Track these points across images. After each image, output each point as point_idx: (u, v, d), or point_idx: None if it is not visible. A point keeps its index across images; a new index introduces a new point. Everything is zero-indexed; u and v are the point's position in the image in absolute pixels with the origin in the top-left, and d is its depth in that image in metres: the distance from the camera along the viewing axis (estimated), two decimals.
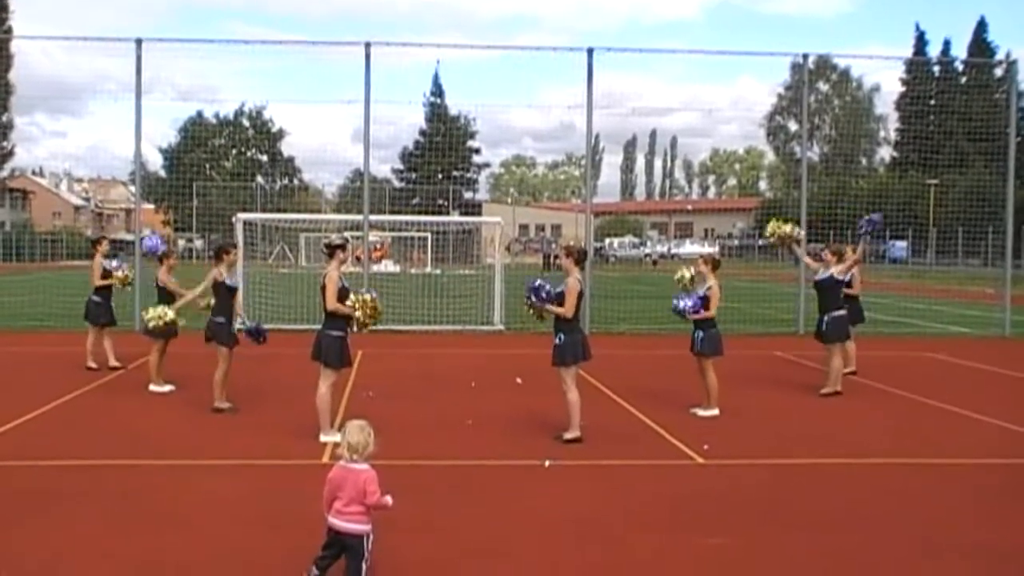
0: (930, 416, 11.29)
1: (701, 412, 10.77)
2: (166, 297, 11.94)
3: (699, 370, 10.90)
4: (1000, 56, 72.49)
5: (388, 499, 5.38)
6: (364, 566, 5.30)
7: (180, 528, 6.49)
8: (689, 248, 77.77)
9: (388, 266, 40.41)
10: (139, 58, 18.79)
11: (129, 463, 8.30)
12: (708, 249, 76.01)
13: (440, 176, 76.09)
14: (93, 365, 13.52)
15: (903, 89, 69.93)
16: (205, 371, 11.05)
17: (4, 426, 9.61)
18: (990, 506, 7.46)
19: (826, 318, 12.19)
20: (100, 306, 13.68)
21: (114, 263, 14.03)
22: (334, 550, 5.36)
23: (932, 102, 64.68)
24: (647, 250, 76.90)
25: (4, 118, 59.60)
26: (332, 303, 9.05)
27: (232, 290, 10.78)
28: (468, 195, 79.91)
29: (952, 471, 8.56)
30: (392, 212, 52.87)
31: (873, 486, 7.97)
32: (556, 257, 10.16)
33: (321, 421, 9.18)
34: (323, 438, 9.04)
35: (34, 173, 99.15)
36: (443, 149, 74.77)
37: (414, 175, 77.57)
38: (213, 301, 10.79)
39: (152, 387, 11.77)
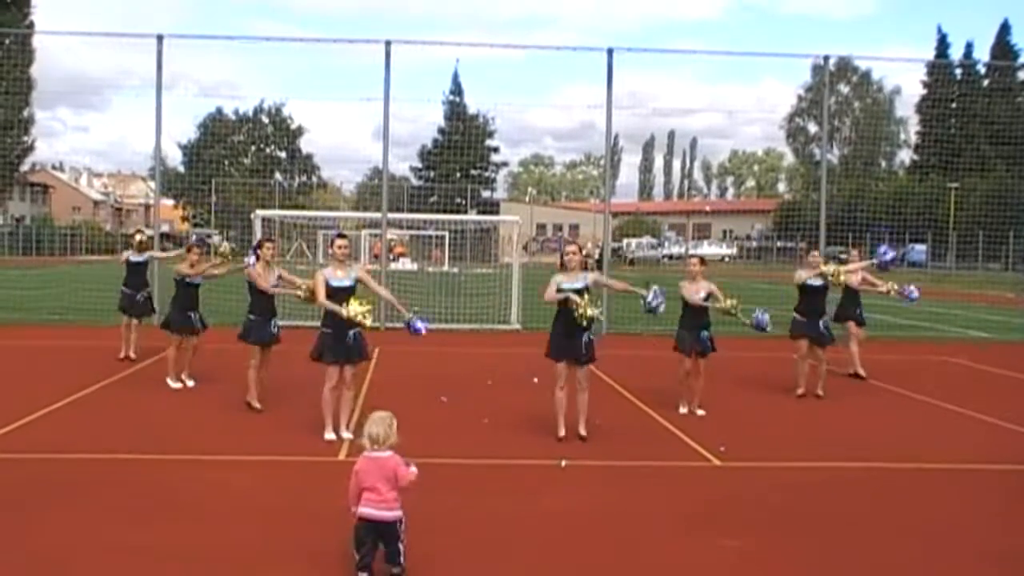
0: (948, 421, 11.22)
1: (700, 411, 10.85)
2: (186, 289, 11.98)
3: (698, 370, 10.91)
4: (1023, 59, 72.12)
5: (414, 469, 5.53)
6: (402, 547, 5.43)
7: (196, 521, 6.53)
8: (707, 249, 77.52)
9: (406, 264, 40.51)
10: (160, 54, 18.86)
11: (147, 457, 8.34)
12: (722, 250, 75.83)
13: (458, 175, 76.11)
14: (132, 355, 13.88)
15: (924, 92, 69.22)
16: (223, 365, 11.13)
17: (24, 419, 9.67)
18: (1008, 511, 7.42)
19: (827, 321, 12.25)
20: (126, 297, 14.08)
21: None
22: (370, 542, 5.42)
23: (953, 105, 64.19)
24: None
25: (25, 113, 59.82)
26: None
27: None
28: (486, 194, 79.97)
29: (970, 476, 8.51)
30: (410, 210, 52.98)
31: (889, 489, 7.92)
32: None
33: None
34: (324, 435, 9.13)
35: (54, 168, 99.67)
36: (461, 148, 74.76)
37: (432, 173, 77.68)
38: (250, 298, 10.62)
39: (168, 381, 11.81)
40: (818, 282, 12.18)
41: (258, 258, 10.52)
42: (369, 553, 5.43)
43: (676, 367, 11.10)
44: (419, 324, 9.22)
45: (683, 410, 10.86)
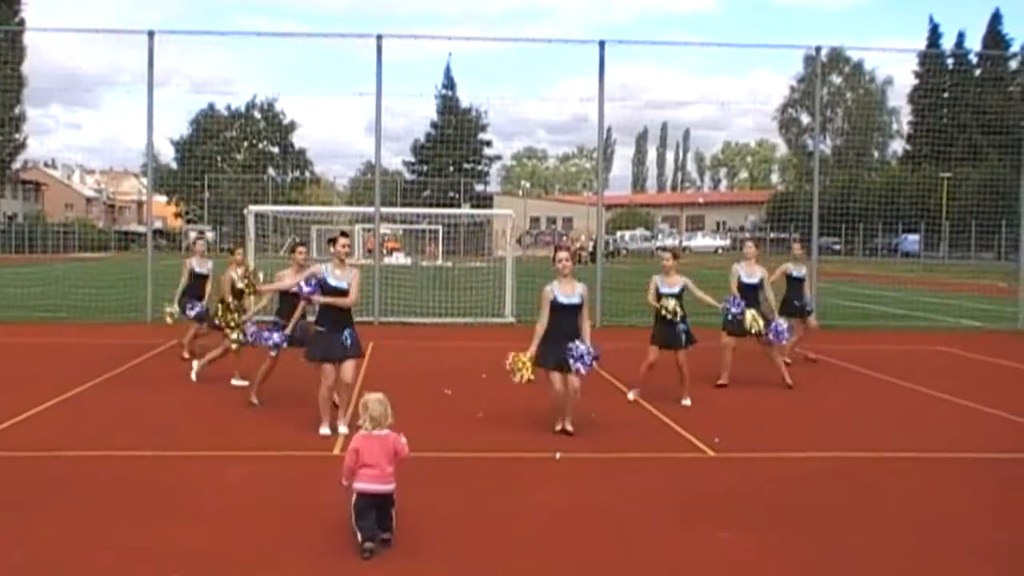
0: (940, 410, 11.26)
1: (687, 402, 10.92)
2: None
3: (681, 362, 10.98)
4: (1015, 49, 72.16)
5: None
6: (393, 514, 5.91)
7: (194, 518, 6.53)
8: (700, 241, 77.49)
9: (399, 259, 40.51)
10: (151, 50, 18.83)
11: (144, 454, 8.32)
12: (715, 241, 75.77)
13: (451, 168, 75.99)
14: (185, 355, 13.46)
15: (916, 82, 69.48)
16: (221, 364, 11.12)
17: (19, 416, 9.64)
18: (999, 501, 7.46)
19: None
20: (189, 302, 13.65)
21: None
22: (371, 514, 5.77)
23: (946, 95, 64.33)
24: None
25: (16, 110, 59.72)
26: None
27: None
28: (479, 187, 79.82)
29: (961, 465, 8.55)
30: (403, 205, 52.84)
31: (881, 480, 7.96)
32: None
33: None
34: (320, 430, 9.13)
35: (46, 165, 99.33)
36: (454, 142, 74.70)
37: (425, 168, 77.53)
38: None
39: (233, 381, 11.72)
40: (753, 279, 12.19)
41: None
42: (372, 524, 5.74)
43: (671, 360, 11.14)
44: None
45: (685, 402, 10.90)
